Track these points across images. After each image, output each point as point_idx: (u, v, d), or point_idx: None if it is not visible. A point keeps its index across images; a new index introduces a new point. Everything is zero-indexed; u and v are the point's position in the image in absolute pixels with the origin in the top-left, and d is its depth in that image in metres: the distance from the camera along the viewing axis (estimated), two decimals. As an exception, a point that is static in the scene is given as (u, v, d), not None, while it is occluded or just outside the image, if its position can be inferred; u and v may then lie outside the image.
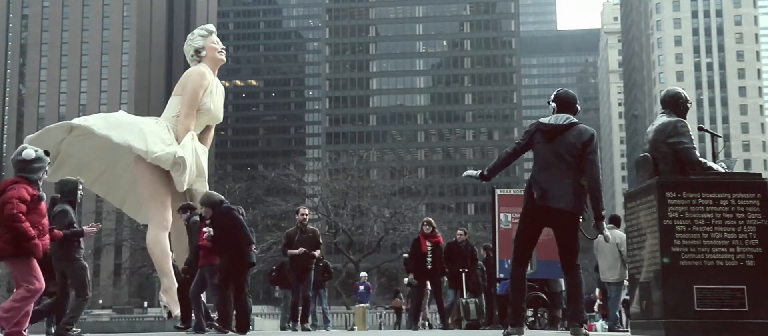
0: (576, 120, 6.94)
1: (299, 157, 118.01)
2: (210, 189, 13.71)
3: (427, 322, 19.87)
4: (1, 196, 6.82)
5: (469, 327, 14.16)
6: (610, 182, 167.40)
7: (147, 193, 13.36)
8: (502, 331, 6.98)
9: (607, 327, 14.75)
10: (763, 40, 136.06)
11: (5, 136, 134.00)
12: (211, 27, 15.10)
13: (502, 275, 13.84)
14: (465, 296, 14.54)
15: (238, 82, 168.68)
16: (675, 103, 7.55)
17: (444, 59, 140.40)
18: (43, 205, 7.08)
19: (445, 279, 14.83)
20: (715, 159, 8.30)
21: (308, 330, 13.71)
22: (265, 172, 68.99)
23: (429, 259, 13.44)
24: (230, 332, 10.22)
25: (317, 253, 13.70)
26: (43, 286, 6.99)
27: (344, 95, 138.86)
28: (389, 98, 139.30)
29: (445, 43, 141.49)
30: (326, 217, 52.70)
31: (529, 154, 7.23)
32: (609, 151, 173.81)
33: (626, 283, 12.88)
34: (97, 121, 13.76)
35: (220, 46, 14.69)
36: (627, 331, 10.99)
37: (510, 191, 15.84)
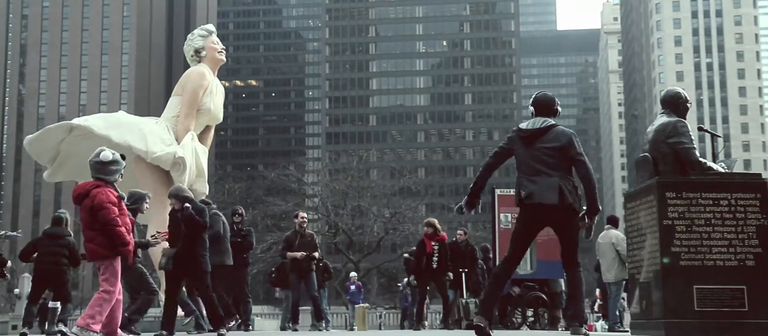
0: (553, 122, 6.97)
1: (299, 157, 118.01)
2: (210, 189, 13.74)
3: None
4: (85, 200, 7.01)
5: (469, 327, 14.15)
6: (611, 182, 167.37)
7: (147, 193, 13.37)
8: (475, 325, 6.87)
9: (607, 327, 14.74)
10: (763, 40, 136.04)
11: (5, 136, 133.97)
12: (211, 27, 15.12)
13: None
14: (465, 296, 14.53)
15: (238, 82, 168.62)
16: (675, 103, 7.55)
17: (444, 59, 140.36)
18: (124, 206, 7.32)
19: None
20: (715, 159, 8.30)
21: (321, 329, 13.70)
22: (265, 172, 69.01)
23: (435, 259, 13.44)
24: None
25: (316, 254, 13.77)
26: (119, 293, 7.18)
27: (344, 95, 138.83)
28: (389, 98, 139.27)
29: (445, 43, 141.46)
30: (326, 217, 52.74)
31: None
32: (609, 151, 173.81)
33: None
34: (97, 121, 13.79)
35: (220, 46, 14.72)
36: (627, 332, 10.98)
37: (510, 191, 15.80)
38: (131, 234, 7.40)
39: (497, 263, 14.02)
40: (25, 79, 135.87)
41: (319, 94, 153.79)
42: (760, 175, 7.54)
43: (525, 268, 14.30)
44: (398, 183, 67.95)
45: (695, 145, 7.32)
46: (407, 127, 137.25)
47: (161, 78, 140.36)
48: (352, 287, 24.28)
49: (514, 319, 14.29)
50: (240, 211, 13.34)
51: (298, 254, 13.31)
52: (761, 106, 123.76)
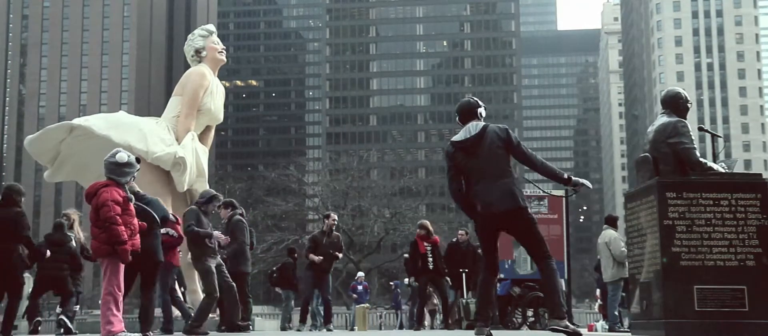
0: (484, 123, 6.93)
1: (299, 158, 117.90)
2: (210, 189, 13.71)
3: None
4: (93, 198, 7.13)
5: (469, 327, 14.15)
6: (611, 182, 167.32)
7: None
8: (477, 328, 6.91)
9: (607, 327, 14.75)
10: (763, 40, 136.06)
11: (5, 136, 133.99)
12: (212, 27, 15.10)
13: (502, 275, 13.84)
14: (465, 296, 14.53)
15: (239, 83, 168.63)
16: (675, 104, 7.55)
17: (444, 59, 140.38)
18: (132, 207, 7.38)
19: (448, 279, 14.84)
20: (715, 159, 8.30)
21: (330, 330, 13.75)
22: (266, 172, 69.08)
23: (430, 259, 13.46)
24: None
25: (340, 255, 14.07)
26: (122, 292, 7.24)
27: (344, 95, 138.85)
28: (389, 98, 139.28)
29: (445, 43, 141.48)
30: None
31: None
32: (609, 151, 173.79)
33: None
34: (97, 122, 13.77)
35: (220, 46, 14.70)
36: (627, 332, 10.99)
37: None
38: (137, 235, 7.40)
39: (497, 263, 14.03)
40: (25, 79, 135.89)
41: (320, 94, 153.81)
42: (760, 175, 7.54)
43: (525, 268, 14.32)
44: (398, 183, 67.97)
45: (696, 146, 7.32)
46: (407, 127, 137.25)
47: (161, 78, 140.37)
48: (359, 287, 24.28)
49: (514, 319, 14.29)
50: (240, 212, 13.38)
51: (317, 258, 13.41)
52: (761, 107, 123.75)
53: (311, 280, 13.76)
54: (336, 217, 14.23)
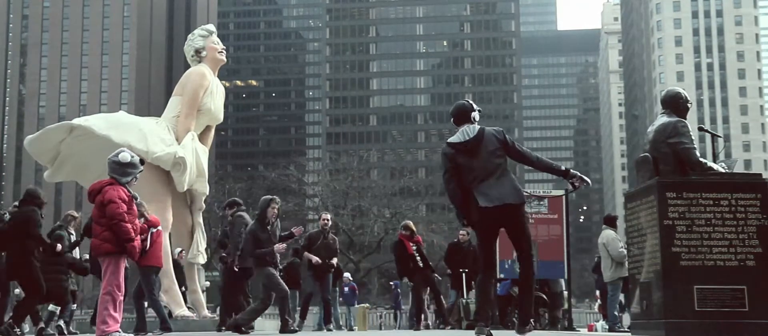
0: (480, 126, 7.05)
1: (299, 158, 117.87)
2: (211, 189, 13.75)
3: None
4: (97, 196, 7.12)
5: (469, 327, 14.15)
6: (611, 182, 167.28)
7: (147, 193, 13.35)
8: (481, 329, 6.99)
9: (607, 327, 14.75)
10: (763, 40, 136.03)
11: (5, 136, 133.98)
12: (212, 27, 15.11)
13: (502, 275, 13.83)
14: (465, 296, 14.52)
15: (239, 83, 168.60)
16: (675, 104, 7.55)
17: (444, 59, 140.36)
18: (136, 207, 7.38)
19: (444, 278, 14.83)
20: (715, 159, 8.31)
21: (330, 330, 13.75)
22: (266, 172, 69.12)
23: (418, 258, 13.45)
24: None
25: (334, 261, 13.90)
26: (122, 292, 7.22)
27: (344, 95, 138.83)
28: (389, 98, 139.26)
29: (445, 43, 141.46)
30: (326, 217, 52.74)
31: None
32: (609, 151, 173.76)
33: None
34: (97, 122, 13.78)
35: (220, 46, 14.71)
36: (627, 332, 10.99)
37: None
38: (139, 235, 7.42)
39: (497, 264, 14.05)
40: (25, 80, 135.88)
41: (320, 94, 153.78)
42: (760, 175, 7.54)
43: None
44: (398, 183, 67.97)
45: (696, 146, 7.32)
46: (407, 127, 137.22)
47: (161, 78, 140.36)
48: (346, 289, 24.19)
49: (514, 319, 14.28)
50: (244, 208, 13.40)
51: (313, 259, 13.37)
52: (761, 107, 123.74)
53: (311, 280, 13.78)
54: (328, 218, 14.04)
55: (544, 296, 14.45)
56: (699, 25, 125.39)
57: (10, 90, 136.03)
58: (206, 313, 14.42)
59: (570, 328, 14.66)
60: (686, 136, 7.28)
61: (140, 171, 7.46)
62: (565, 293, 14.80)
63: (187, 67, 14.91)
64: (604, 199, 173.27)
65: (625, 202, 7.92)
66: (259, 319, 17.87)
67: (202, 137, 14.39)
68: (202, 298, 14.98)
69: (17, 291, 12.44)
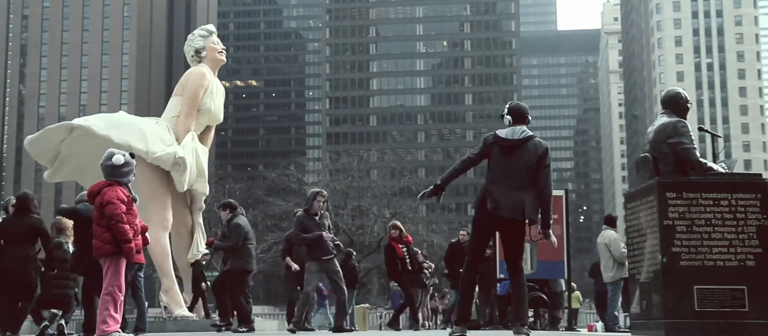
0: (531, 133, 7.03)
1: (299, 158, 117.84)
2: (211, 189, 13.74)
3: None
4: (97, 197, 7.15)
5: (469, 327, 14.14)
6: (611, 182, 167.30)
7: (147, 193, 13.34)
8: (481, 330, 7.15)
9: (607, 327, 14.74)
10: (763, 40, 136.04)
11: (5, 136, 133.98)
12: (212, 27, 15.09)
13: (502, 275, 13.82)
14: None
15: (239, 83, 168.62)
16: (675, 104, 7.55)
17: (444, 60, 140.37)
18: (135, 207, 7.39)
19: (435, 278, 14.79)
20: (715, 159, 8.31)
21: (331, 330, 13.73)
22: (266, 172, 69.10)
23: (408, 261, 13.46)
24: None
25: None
26: (123, 293, 7.25)
27: (344, 95, 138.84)
28: (389, 98, 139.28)
29: (445, 43, 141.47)
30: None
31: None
32: (609, 151, 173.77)
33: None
34: (97, 122, 13.76)
35: (220, 46, 14.69)
36: (627, 332, 10.99)
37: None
38: (139, 235, 7.43)
39: (497, 264, 14.04)
40: (25, 80, 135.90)
41: (320, 94, 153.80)
42: (760, 175, 7.54)
43: (525, 268, 14.28)
44: (398, 183, 67.96)
45: (695, 146, 7.32)
46: (407, 127, 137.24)
47: (161, 78, 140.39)
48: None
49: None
50: (241, 212, 13.37)
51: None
52: (761, 107, 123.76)
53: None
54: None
55: (544, 296, 14.45)
56: (699, 25, 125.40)
57: (10, 90, 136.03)
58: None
59: (570, 328, 14.66)
60: (686, 136, 7.28)
61: (135, 165, 7.46)
62: (564, 293, 14.80)
63: (187, 67, 14.90)
64: (604, 199, 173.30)
65: (625, 202, 7.92)
66: (259, 319, 17.83)
67: (202, 137, 14.38)
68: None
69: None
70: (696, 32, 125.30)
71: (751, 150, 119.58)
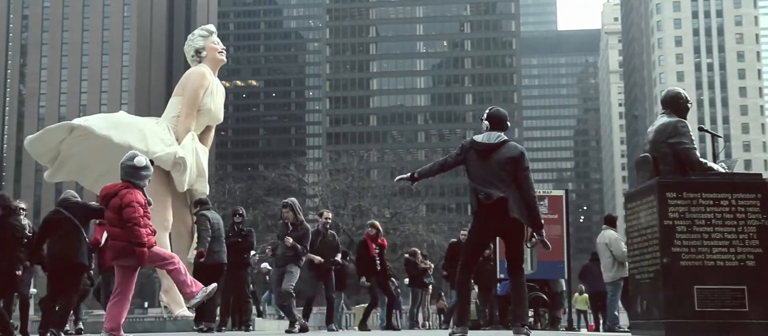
0: (506, 138, 7.10)
1: (299, 158, 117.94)
2: (211, 189, 13.75)
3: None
4: (114, 199, 7.18)
5: (471, 327, 14.15)
6: (611, 182, 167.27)
7: (147, 193, 13.35)
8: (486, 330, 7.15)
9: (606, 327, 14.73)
10: (763, 40, 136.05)
11: (5, 136, 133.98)
12: (212, 27, 15.08)
13: (502, 275, 13.84)
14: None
15: (239, 83, 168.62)
16: (675, 104, 7.55)
17: (444, 60, 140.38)
18: (150, 211, 7.45)
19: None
20: (715, 159, 8.31)
21: (333, 330, 13.73)
22: (266, 172, 69.06)
23: (377, 261, 13.49)
24: None
25: (338, 257, 13.83)
26: (131, 294, 7.29)
27: (344, 95, 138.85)
28: (389, 98, 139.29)
29: (445, 43, 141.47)
30: (326, 217, 52.76)
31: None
32: (609, 151, 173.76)
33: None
34: (97, 122, 13.75)
35: (220, 46, 14.68)
36: (627, 332, 10.99)
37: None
38: (152, 238, 7.45)
39: (497, 264, 14.05)
40: (25, 80, 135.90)
41: (320, 94, 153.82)
42: (760, 175, 7.54)
43: (526, 268, 14.28)
44: (398, 183, 67.88)
45: (696, 146, 7.32)
46: (408, 127, 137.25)
47: (161, 78, 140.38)
48: None
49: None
50: (240, 212, 13.38)
51: (316, 259, 13.31)
52: (762, 107, 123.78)
53: (314, 281, 13.73)
54: (329, 216, 13.99)
55: (545, 296, 14.46)
56: (699, 25, 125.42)
57: (10, 90, 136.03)
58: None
59: (570, 328, 14.67)
60: (686, 136, 7.28)
61: (152, 172, 7.56)
62: (564, 293, 14.81)
63: (187, 67, 14.89)
64: (604, 199, 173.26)
65: (625, 202, 7.92)
66: (259, 319, 17.83)
67: (202, 137, 14.37)
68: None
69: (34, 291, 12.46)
70: (696, 32, 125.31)
71: (751, 150, 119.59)
